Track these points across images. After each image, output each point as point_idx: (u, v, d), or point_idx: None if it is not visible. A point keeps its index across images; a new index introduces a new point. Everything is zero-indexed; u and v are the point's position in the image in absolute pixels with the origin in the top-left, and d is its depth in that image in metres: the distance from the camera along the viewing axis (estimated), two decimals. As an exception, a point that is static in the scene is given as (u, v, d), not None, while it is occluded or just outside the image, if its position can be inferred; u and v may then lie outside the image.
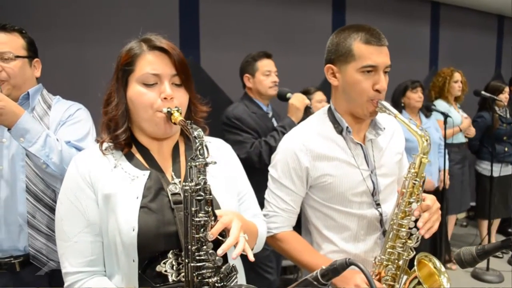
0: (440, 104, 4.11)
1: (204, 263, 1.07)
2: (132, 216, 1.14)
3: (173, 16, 3.60)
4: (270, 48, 3.11)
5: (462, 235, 5.22)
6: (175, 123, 1.18)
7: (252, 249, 1.33)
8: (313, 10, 4.38)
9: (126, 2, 3.38)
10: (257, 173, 2.24)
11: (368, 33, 1.47)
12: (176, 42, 3.49)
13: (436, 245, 3.82)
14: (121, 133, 1.23)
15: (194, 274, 1.07)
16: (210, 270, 1.07)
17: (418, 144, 1.43)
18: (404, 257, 1.45)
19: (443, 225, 3.94)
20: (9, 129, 1.51)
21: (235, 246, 1.07)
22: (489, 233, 4.23)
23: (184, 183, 1.10)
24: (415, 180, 1.43)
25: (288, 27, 4.22)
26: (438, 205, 1.46)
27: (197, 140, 1.10)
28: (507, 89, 4.35)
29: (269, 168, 1.65)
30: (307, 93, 3.27)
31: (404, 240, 1.44)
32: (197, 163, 1.09)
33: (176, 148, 1.32)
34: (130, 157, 1.26)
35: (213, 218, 1.10)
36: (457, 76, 4.20)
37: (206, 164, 1.10)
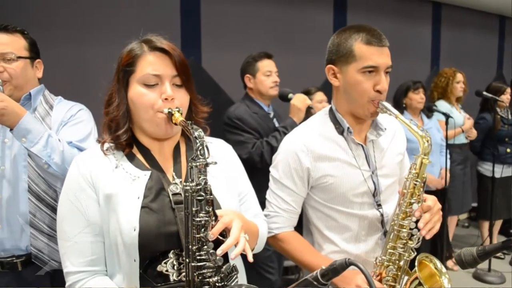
0: (441, 105, 4.10)
1: (204, 263, 1.07)
2: (133, 216, 1.15)
3: (174, 17, 3.60)
4: (272, 49, 3.11)
5: (464, 236, 5.22)
6: (176, 124, 1.18)
7: (252, 249, 1.33)
8: (315, 10, 4.38)
9: (127, 2, 3.38)
10: (258, 173, 2.25)
11: (369, 34, 1.47)
12: (178, 42, 3.50)
13: (437, 245, 3.82)
14: (122, 133, 1.24)
15: (195, 274, 1.07)
16: (210, 270, 1.07)
17: (419, 144, 1.43)
18: (405, 257, 1.45)
19: (444, 226, 3.94)
20: (11, 130, 1.51)
21: (236, 245, 1.07)
22: (490, 234, 4.22)
23: (184, 183, 1.10)
24: (416, 181, 1.43)
25: (290, 27, 4.22)
26: (439, 206, 1.45)
27: (197, 141, 1.10)
28: (508, 89, 4.33)
29: (270, 169, 1.65)
30: (307, 93, 3.27)
31: (405, 241, 1.44)
32: (197, 163, 1.09)
33: (177, 149, 1.33)
34: (131, 158, 1.26)
35: (213, 218, 1.10)
36: (460, 77, 4.19)
37: (207, 164, 1.10)
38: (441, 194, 3.83)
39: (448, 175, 3.89)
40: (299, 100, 2.80)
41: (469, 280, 3.92)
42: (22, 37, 1.73)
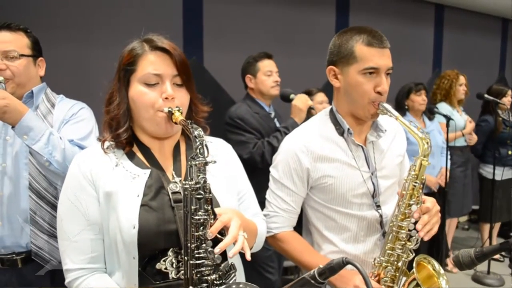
0: (443, 107, 4.10)
1: (203, 261, 1.08)
2: (133, 214, 1.16)
3: (177, 17, 3.61)
4: (274, 49, 3.12)
5: (464, 238, 5.22)
6: (176, 123, 1.19)
7: (251, 248, 1.34)
8: (317, 12, 4.39)
9: (130, 3, 3.39)
10: (259, 173, 2.25)
11: (370, 35, 1.48)
12: (180, 42, 3.52)
13: (434, 247, 3.82)
14: (122, 132, 1.24)
15: (194, 272, 1.08)
16: (209, 268, 1.08)
17: (418, 146, 1.43)
18: (403, 258, 1.45)
19: (443, 227, 3.94)
20: (13, 127, 1.52)
21: (234, 244, 1.08)
22: (490, 237, 4.22)
23: (184, 182, 1.11)
24: (415, 182, 1.43)
25: (292, 28, 4.23)
26: (438, 207, 1.46)
27: (197, 140, 1.11)
28: (510, 92, 4.32)
29: (270, 169, 1.66)
30: (309, 94, 3.27)
31: (403, 242, 1.44)
32: (197, 162, 1.10)
33: (177, 148, 1.33)
34: (131, 156, 1.27)
35: (212, 216, 1.11)
36: (462, 79, 4.20)
37: (206, 163, 1.11)
38: (440, 196, 3.84)
39: (448, 174, 3.90)
40: (300, 101, 2.80)
41: (468, 283, 3.92)
42: (25, 35, 1.74)
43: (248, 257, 1.09)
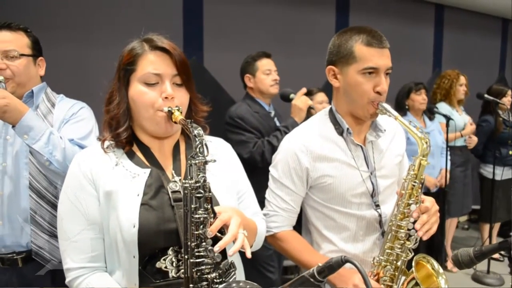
0: (442, 107, 4.10)
1: (203, 259, 1.08)
2: (133, 213, 1.16)
3: (177, 17, 3.61)
4: (274, 49, 3.13)
5: (464, 238, 5.22)
6: (175, 122, 1.20)
7: (251, 247, 1.34)
8: (317, 12, 4.39)
9: (131, 3, 3.40)
10: (258, 172, 2.25)
11: (369, 35, 1.48)
12: (180, 42, 3.53)
13: (433, 246, 3.82)
14: (122, 131, 1.25)
15: (194, 270, 1.08)
16: (209, 266, 1.09)
17: (418, 146, 1.44)
18: (402, 258, 1.45)
19: (443, 227, 3.94)
20: (13, 126, 1.52)
21: (234, 242, 1.08)
22: (490, 236, 4.22)
23: (184, 181, 1.12)
24: (414, 182, 1.43)
25: (292, 28, 4.23)
26: (437, 207, 1.46)
27: (197, 139, 1.11)
28: (510, 92, 4.32)
29: (270, 168, 1.66)
30: (309, 93, 3.28)
31: (402, 241, 1.44)
32: (197, 161, 1.11)
33: (176, 147, 1.34)
34: (131, 155, 1.27)
35: (212, 215, 1.12)
36: (463, 79, 4.19)
37: (206, 162, 1.12)
38: (440, 195, 3.84)
39: (448, 176, 3.90)
40: (300, 100, 2.81)
41: (468, 282, 3.92)
42: (25, 35, 1.75)
43: (249, 254, 1.10)
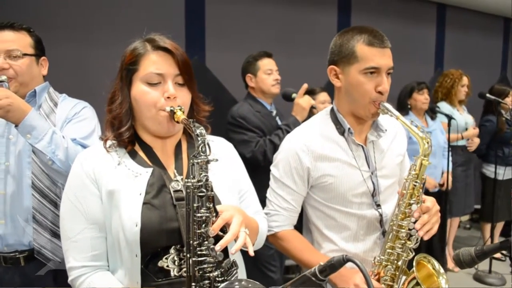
0: (443, 106, 4.09)
1: (205, 258, 1.09)
2: (135, 212, 1.17)
3: (179, 17, 3.62)
4: (276, 49, 3.13)
5: (465, 237, 5.22)
6: (178, 122, 1.20)
7: (252, 245, 1.34)
8: (319, 12, 4.39)
9: (133, 3, 3.40)
10: (260, 171, 2.26)
11: (371, 35, 1.48)
12: (182, 42, 3.53)
13: (433, 246, 3.82)
14: (124, 131, 1.25)
15: (196, 269, 1.09)
16: (211, 265, 1.09)
17: (419, 146, 1.44)
18: (403, 257, 1.46)
19: (444, 227, 3.93)
20: (16, 126, 1.53)
21: (235, 241, 1.09)
22: (492, 236, 4.21)
23: (186, 180, 1.12)
24: (416, 182, 1.43)
25: (294, 28, 4.23)
26: (437, 207, 1.46)
27: (199, 138, 1.12)
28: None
29: (271, 167, 1.66)
30: (312, 93, 3.28)
31: (403, 241, 1.45)
32: (199, 160, 1.11)
33: (178, 146, 1.34)
34: (133, 155, 1.28)
35: (214, 214, 1.12)
36: (465, 80, 4.18)
37: (208, 162, 1.12)
38: (442, 195, 3.84)
39: (451, 178, 3.89)
40: (303, 99, 2.80)
41: (469, 282, 3.91)
42: (28, 35, 1.75)
43: (251, 252, 1.10)
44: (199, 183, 1.10)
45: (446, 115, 3.68)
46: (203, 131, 1.13)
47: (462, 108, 4.29)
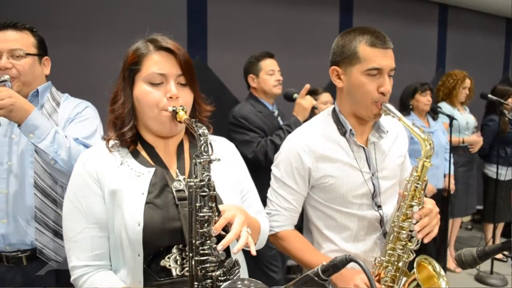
0: (443, 106, 4.08)
1: (207, 257, 1.09)
2: (137, 212, 1.17)
3: (181, 17, 3.62)
4: (278, 49, 3.13)
5: (467, 238, 5.21)
6: (180, 122, 1.21)
7: (254, 244, 1.35)
8: (321, 12, 4.39)
9: (135, 3, 3.40)
10: (261, 171, 2.26)
11: (373, 36, 1.48)
12: (184, 42, 3.53)
13: (435, 247, 3.81)
14: (127, 130, 1.26)
15: (198, 268, 1.09)
16: (213, 264, 1.10)
17: (421, 147, 1.44)
18: (404, 259, 1.46)
19: (446, 228, 3.93)
20: (19, 125, 1.53)
21: (237, 240, 1.09)
22: (493, 237, 4.21)
23: (189, 179, 1.13)
24: (417, 184, 1.43)
25: (296, 28, 4.23)
26: (437, 209, 1.47)
27: (201, 138, 1.12)
28: (514, 92, 4.31)
29: (272, 167, 1.66)
30: (314, 93, 3.28)
31: (404, 242, 1.45)
32: (201, 160, 1.12)
33: (180, 146, 1.35)
34: (135, 155, 1.28)
35: (216, 213, 1.13)
36: (468, 82, 4.15)
37: (210, 161, 1.13)
38: (443, 196, 3.83)
39: (453, 181, 3.88)
40: (305, 100, 2.80)
41: (471, 283, 3.90)
42: (31, 34, 1.76)
43: (253, 251, 1.10)
44: (202, 183, 1.11)
45: (448, 116, 3.67)
46: (206, 131, 1.14)
47: (463, 108, 4.28)
